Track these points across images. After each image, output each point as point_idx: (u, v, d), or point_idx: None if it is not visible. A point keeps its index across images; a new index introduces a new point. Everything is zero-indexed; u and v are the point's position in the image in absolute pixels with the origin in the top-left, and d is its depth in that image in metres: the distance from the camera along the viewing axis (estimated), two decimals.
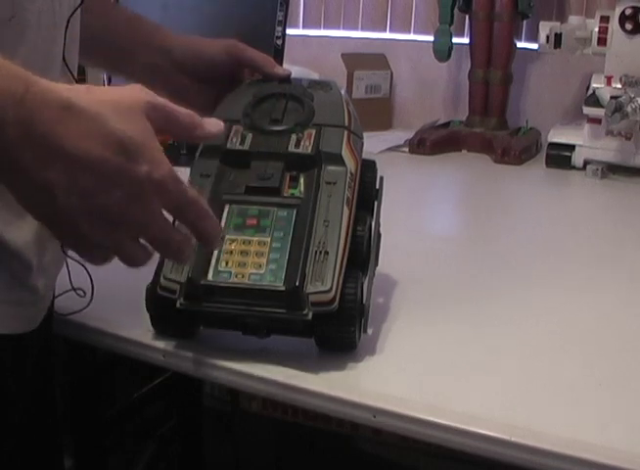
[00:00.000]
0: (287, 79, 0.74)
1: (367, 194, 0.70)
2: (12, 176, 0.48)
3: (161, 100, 0.52)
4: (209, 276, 0.60)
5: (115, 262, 0.60)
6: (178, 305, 0.60)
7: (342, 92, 0.72)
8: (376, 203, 0.71)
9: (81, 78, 0.70)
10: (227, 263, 0.61)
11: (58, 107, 0.47)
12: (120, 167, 0.48)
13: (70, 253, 0.68)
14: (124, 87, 0.52)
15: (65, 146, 0.47)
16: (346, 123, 0.68)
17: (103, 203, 0.48)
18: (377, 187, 0.71)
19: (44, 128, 0.46)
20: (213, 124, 0.56)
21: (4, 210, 0.59)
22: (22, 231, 0.61)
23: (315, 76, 1.57)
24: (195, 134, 0.55)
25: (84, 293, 0.70)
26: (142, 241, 0.53)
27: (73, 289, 0.70)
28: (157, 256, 0.64)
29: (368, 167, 0.70)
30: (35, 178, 0.47)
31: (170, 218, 0.53)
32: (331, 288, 0.59)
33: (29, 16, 0.58)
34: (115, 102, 0.49)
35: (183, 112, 0.54)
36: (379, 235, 0.71)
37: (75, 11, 0.65)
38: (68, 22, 0.64)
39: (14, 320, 0.62)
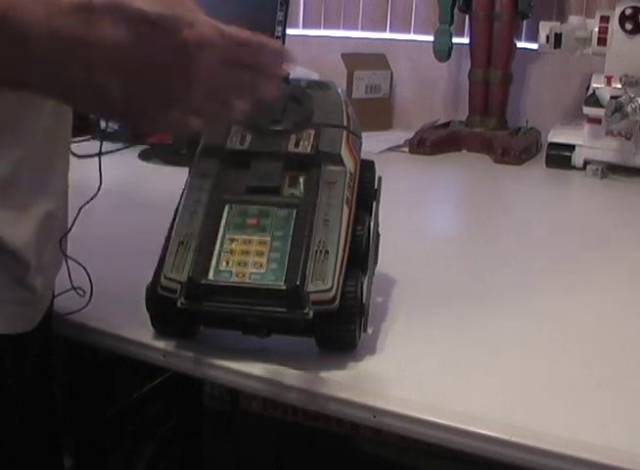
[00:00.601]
0: (285, 80, 0.74)
1: (366, 194, 0.70)
2: (65, 87, 0.49)
3: None
4: (210, 276, 0.60)
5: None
6: (179, 304, 0.60)
7: (342, 93, 0.72)
8: (374, 203, 0.71)
9: None
10: (228, 263, 0.61)
11: (72, 12, 0.47)
12: (166, 43, 0.48)
13: (70, 252, 0.68)
14: None
15: (99, 53, 0.47)
16: (345, 124, 0.68)
17: (161, 81, 0.50)
18: (375, 187, 0.71)
19: (73, 39, 0.47)
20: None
21: (3, 210, 0.59)
22: (21, 231, 0.61)
23: (315, 76, 1.57)
24: None
25: (84, 292, 0.70)
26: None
27: (73, 288, 0.70)
28: (156, 256, 0.65)
29: (367, 168, 0.70)
30: (93, 89, 0.49)
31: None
32: (331, 287, 0.59)
33: None
34: None
35: None
36: (378, 235, 0.71)
37: None
38: None
39: (13, 320, 0.62)
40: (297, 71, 0.78)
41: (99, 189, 0.67)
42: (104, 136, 0.71)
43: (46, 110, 0.62)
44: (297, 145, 0.66)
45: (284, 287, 0.59)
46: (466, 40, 1.58)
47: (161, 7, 0.49)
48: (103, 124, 1.44)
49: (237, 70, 0.53)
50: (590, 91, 1.34)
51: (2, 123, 0.58)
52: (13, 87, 0.51)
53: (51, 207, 0.64)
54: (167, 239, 0.64)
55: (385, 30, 1.79)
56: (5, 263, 0.60)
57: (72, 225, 0.68)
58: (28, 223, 0.61)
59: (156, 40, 0.48)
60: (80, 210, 0.68)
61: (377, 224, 0.71)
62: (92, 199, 0.69)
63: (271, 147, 0.66)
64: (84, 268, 0.69)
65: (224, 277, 0.60)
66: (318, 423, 1.30)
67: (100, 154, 0.68)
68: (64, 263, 0.69)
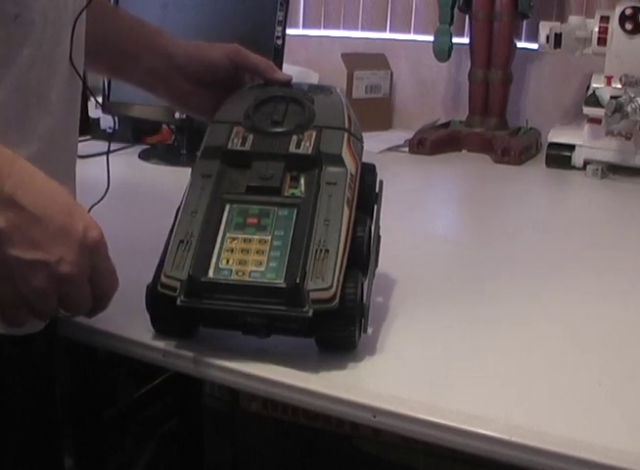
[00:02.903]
0: (288, 84, 0.74)
1: (367, 197, 0.70)
2: None
3: None
4: (210, 273, 0.60)
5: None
6: (179, 302, 0.60)
7: (343, 97, 0.72)
8: (376, 206, 0.71)
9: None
10: (228, 261, 0.61)
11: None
12: None
13: None
14: None
15: None
16: (347, 126, 0.69)
17: None
18: (377, 191, 0.72)
19: None
20: None
21: None
22: None
23: (315, 76, 1.58)
24: None
25: None
26: None
27: None
28: (156, 256, 0.65)
29: (368, 171, 0.70)
30: None
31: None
32: (331, 285, 0.59)
33: (35, 15, 0.58)
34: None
35: None
36: (379, 237, 0.71)
37: (82, 11, 0.65)
38: (75, 22, 0.64)
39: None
40: (298, 71, 0.78)
41: (107, 188, 0.67)
42: (109, 136, 0.71)
43: (54, 109, 0.62)
44: (298, 146, 0.67)
45: (284, 285, 0.59)
46: (466, 40, 1.58)
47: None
48: (103, 125, 1.45)
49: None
50: (590, 91, 1.34)
51: (11, 122, 0.58)
52: None
53: None
54: (168, 239, 0.64)
55: (385, 30, 1.79)
56: None
57: None
58: None
59: None
60: (90, 210, 0.68)
61: (378, 227, 0.71)
62: (102, 199, 0.68)
63: (272, 148, 0.67)
64: None
65: (224, 275, 0.60)
66: (318, 423, 1.30)
67: (108, 152, 0.68)
68: None
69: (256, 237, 0.62)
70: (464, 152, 1.53)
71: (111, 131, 1.40)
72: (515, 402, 0.60)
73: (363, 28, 1.80)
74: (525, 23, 1.60)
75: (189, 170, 0.68)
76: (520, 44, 1.58)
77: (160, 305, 0.64)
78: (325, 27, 1.85)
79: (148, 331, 0.67)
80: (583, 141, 1.35)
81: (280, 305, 0.59)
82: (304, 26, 1.87)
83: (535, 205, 1.23)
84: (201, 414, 1.43)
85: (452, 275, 0.87)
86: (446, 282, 0.84)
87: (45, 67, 0.61)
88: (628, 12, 1.29)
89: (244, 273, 0.60)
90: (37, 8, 0.58)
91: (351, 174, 0.66)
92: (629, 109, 1.22)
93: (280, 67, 1.19)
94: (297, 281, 0.59)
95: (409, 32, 1.76)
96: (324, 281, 0.59)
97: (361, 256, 0.66)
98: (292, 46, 1.38)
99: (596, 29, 1.33)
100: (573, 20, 1.38)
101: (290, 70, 0.76)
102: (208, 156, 0.68)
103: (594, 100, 1.30)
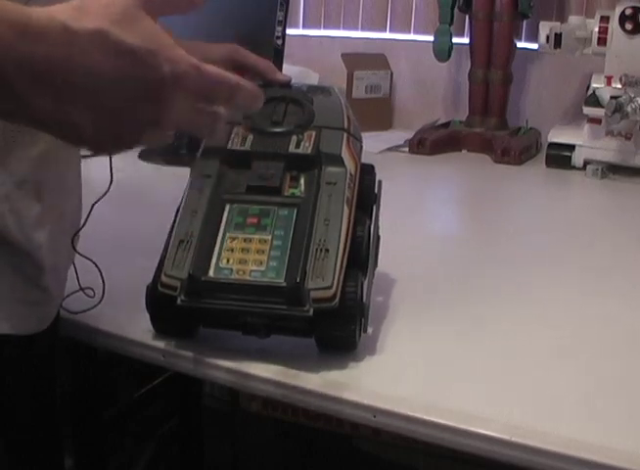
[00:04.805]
0: (287, 85, 0.74)
1: (366, 197, 0.70)
2: (37, 120, 0.48)
3: None
4: (210, 273, 0.60)
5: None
6: (179, 301, 0.60)
7: (342, 97, 0.72)
8: (375, 206, 0.71)
9: None
10: (228, 261, 0.61)
11: (56, 36, 0.45)
12: (145, 78, 0.47)
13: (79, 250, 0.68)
14: None
15: (76, 82, 0.46)
16: (346, 126, 0.69)
17: (134, 119, 0.49)
18: (376, 191, 0.72)
19: (49, 67, 0.45)
20: None
21: (22, 210, 0.59)
22: (39, 232, 0.61)
23: (315, 76, 1.58)
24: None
25: (94, 293, 0.70)
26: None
27: (81, 289, 0.70)
28: (156, 256, 0.65)
29: (367, 171, 0.71)
30: (62, 121, 0.47)
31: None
32: (332, 285, 0.59)
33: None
34: (114, 11, 0.47)
35: None
36: (378, 237, 0.71)
37: None
38: None
39: (26, 320, 0.62)
40: (297, 71, 0.78)
41: (110, 185, 0.67)
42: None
43: None
44: (297, 146, 0.67)
45: (284, 284, 0.59)
46: (466, 40, 1.58)
47: (143, 40, 0.48)
48: None
49: (210, 108, 0.53)
50: (590, 91, 1.34)
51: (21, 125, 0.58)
52: None
53: (67, 206, 0.64)
54: (168, 238, 0.64)
55: (385, 30, 1.79)
56: (20, 265, 0.60)
57: (85, 223, 0.68)
58: (45, 225, 0.61)
59: (135, 74, 0.47)
60: (92, 207, 0.68)
61: (377, 227, 0.71)
62: (104, 195, 0.68)
63: (272, 148, 0.67)
64: (97, 267, 0.69)
65: (224, 274, 0.60)
66: (318, 423, 1.30)
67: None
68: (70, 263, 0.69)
69: (257, 237, 0.62)
70: (464, 152, 1.53)
71: None
72: (515, 402, 0.60)
73: (363, 28, 1.80)
74: (525, 23, 1.60)
75: (189, 170, 0.68)
76: (520, 44, 1.58)
77: (160, 304, 0.64)
78: (325, 27, 1.85)
79: (148, 331, 0.67)
80: (583, 141, 1.35)
81: (280, 305, 0.59)
82: (304, 26, 1.87)
83: (535, 205, 1.23)
84: (201, 414, 1.43)
85: (452, 275, 0.87)
86: (446, 282, 0.84)
87: None
88: (628, 12, 1.29)
89: (244, 272, 0.60)
90: None
91: (351, 174, 0.66)
92: (629, 109, 1.22)
93: (280, 67, 1.19)
94: (298, 280, 0.59)
95: (409, 32, 1.76)
96: (324, 281, 0.59)
97: (361, 255, 0.66)
98: (292, 46, 1.37)
99: (596, 29, 1.33)
100: (573, 20, 1.38)
101: (290, 70, 0.76)
102: (208, 156, 0.68)
103: (594, 100, 1.30)
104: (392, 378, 0.63)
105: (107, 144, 0.50)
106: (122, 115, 0.48)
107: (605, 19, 1.32)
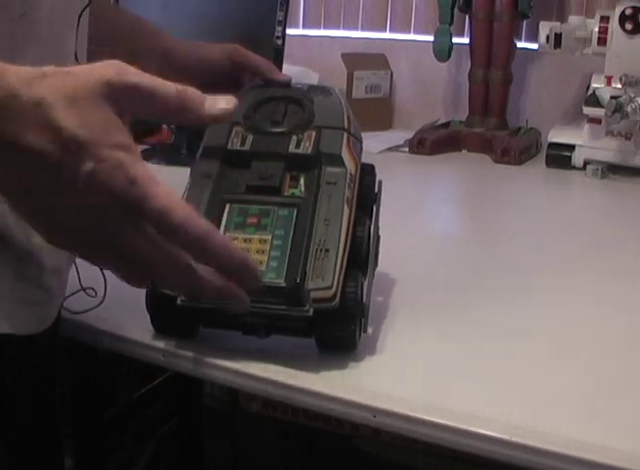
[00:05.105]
0: (287, 85, 0.74)
1: (366, 197, 0.70)
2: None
3: (133, 77, 0.47)
4: None
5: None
6: (179, 301, 0.60)
7: (342, 98, 0.72)
8: (375, 206, 0.71)
9: None
10: None
11: (3, 97, 0.43)
12: (59, 164, 0.44)
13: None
14: (94, 65, 0.47)
15: (6, 137, 0.43)
16: (346, 126, 0.69)
17: (41, 206, 0.46)
18: (376, 191, 0.72)
19: None
20: (220, 101, 0.50)
21: None
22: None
23: (315, 76, 1.58)
24: (187, 116, 0.49)
25: (95, 293, 0.70)
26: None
27: (83, 289, 0.70)
28: None
29: (367, 171, 0.70)
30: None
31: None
32: (332, 285, 0.59)
33: (40, 13, 0.58)
34: (71, 88, 0.45)
35: (166, 90, 0.48)
36: (378, 237, 0.71)
37: (86, 8, 0.65)
38: (80, 19, 0.64)
39: (27, 320, 0.62)
40: (297, 71, 0.78)
41: None
42: None
43: None
44: (297, 146, 0.67)
45: (284, 284, 0.59)
46: (466, 40, 1.58)
47: (80, 127, 0.44)
48: None
49: (173, 249, 0.49)
50: (590, 91, 1.34)
51: None
52: None
53: None
54: None
55: (385, 30, 1.79)
56: (21, 263, 0.60)
57: None
58: None
59: (52, 155, 0.44)
60: None
61: (377, 227, 0.71)
62: None
63: (272, 148, 0.67)
64: (102, 272, 0.69)
65: None
66: (318, 423, 1.30)
67: None
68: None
69: (256, 237, 0.62)
70: (464, 152, 1.53)
71: None
72: (515, 402, 0.60)
73: (363, 28, 1.81)
74: (525, 23, 1.60)
75: (189, 170, 0.68)
76: (520, 44, 1.58)
77: (160, 304, 0.64)
78: (325, 27, 1.85)
79: (148, 331, 0.67)
80: (583, 141, 1.35)
81: (280, 305, 0.59)
82: (304, 26, 1.87)
83: (535, 205, 1.23)
84: (201, 414, 1.43)
85: (452, 275, 0.87)
86: (446, 282, 0.84)
87: (51, 64, 0.61)
88: (628, 12, 1.29)
89: None
90: (44, 6, 0.58)
91: (351, 174, 0.66)
92: (629, 109, 1.22)
93: (280, 67, 1.19)
94: (298, 281, 0.59)
95: (409, 32, 1.76)
96: (324, 281, 0.59)
97: (361, 255, 0.66)
98: (292, 46, 1.38)
99: (596, 29, 1.33)
100: (573, 20, 1.38)
101: (290, 70, 0.76)
102: (208, 156, 0.68)
103: (594, 100, 1.30)
104: (392, 378, 0.63)
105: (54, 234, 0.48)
106: (45, 198, 0.45)
107: (605, 19, 1.32)
